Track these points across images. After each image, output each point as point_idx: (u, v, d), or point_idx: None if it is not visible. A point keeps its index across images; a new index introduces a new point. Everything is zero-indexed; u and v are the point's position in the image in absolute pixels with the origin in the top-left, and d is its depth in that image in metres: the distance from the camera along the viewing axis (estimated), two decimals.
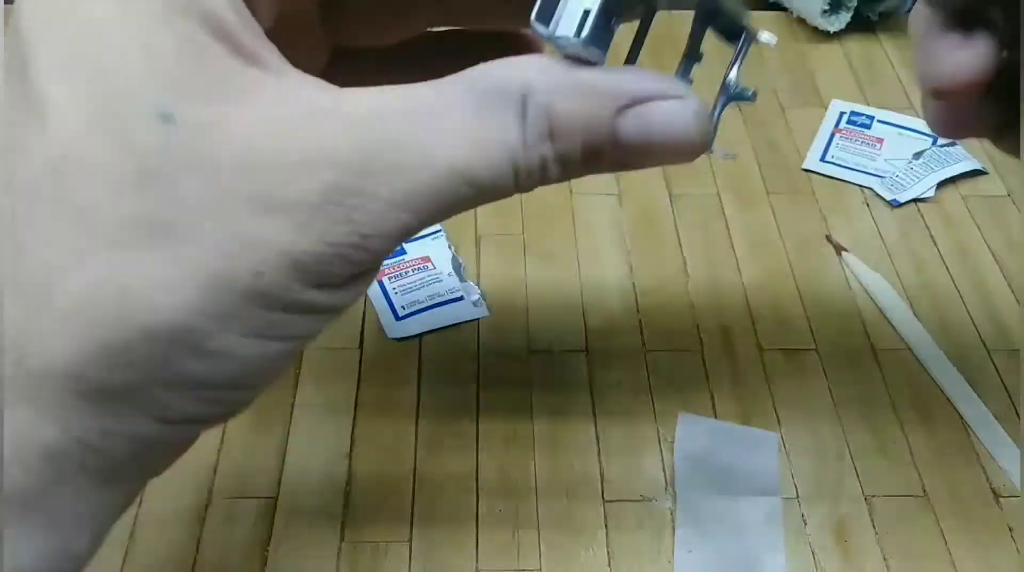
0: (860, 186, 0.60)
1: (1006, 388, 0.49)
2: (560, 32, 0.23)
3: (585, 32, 0.23)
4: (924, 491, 0.44)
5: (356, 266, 0.21)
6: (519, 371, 0.49)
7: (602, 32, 0.24)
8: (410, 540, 0.42)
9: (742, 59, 0.27)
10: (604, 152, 0.23)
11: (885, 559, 0.42)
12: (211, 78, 0.20)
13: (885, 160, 0.61)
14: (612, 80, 0.23)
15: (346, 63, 0.31)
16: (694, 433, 0.46)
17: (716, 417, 0.47)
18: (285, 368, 0.23)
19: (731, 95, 0.27)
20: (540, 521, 0.43)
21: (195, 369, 0.21)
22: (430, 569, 0.41)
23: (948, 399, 0.48)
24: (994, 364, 0.50)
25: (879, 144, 0.63)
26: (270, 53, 0.21)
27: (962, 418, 0.47)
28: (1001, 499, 0.44)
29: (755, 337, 0.51)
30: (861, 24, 0.71)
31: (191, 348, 0.20)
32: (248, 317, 0.20)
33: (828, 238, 0.56)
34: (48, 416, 0.20)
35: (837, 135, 0.63)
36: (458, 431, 0.46)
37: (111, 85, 0.19)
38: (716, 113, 0.27)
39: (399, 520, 0.43)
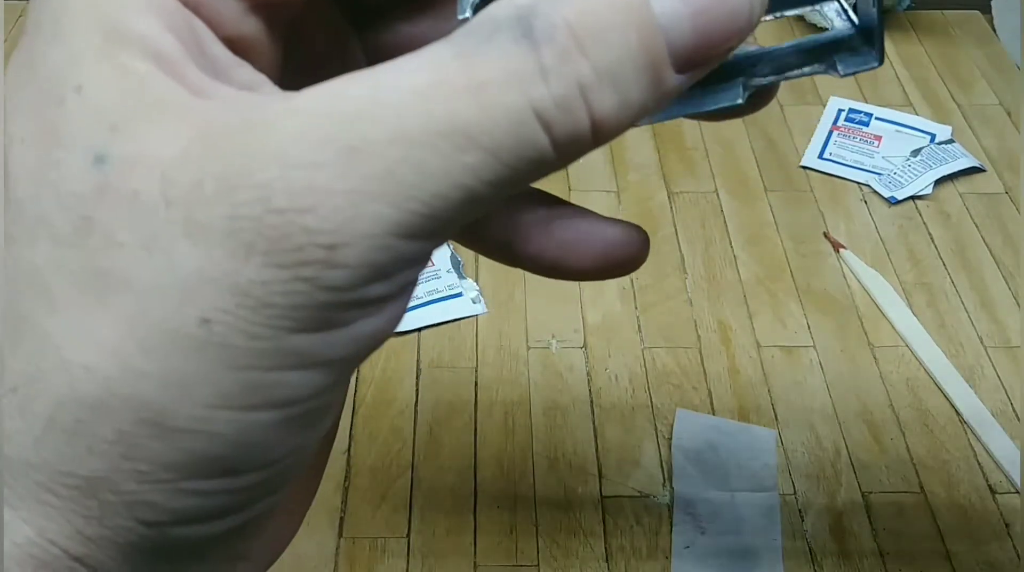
0: (858, 183, 0.60)
1: (1003, 385, 0.49)
2: None
3: None
4: (921, 488, 0.45)
5: (341, 291, 0.16)
6: (517, 367, 0.49)
7: None
8: (408, 536, 0.42)
9: None
10: (656, 48, 0.16)
11: (882, 555, 0.42)
12: (150, 111, 0.17)
13: (883, 157, 0.62)
14: None
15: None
16: (692, 429, 0.46)
17: (714, 413, 0.47)
18: (308, 443, 0.18)
19: None
20: (537, 516, 0.43)
21: (165, 453, 0.17)
22: (428, 565, 0.41)
23: (945, 396, 0.48)
24: (991, 361, 0.50)
25: (877, 141, 0.63)
26: (220, 80, 0.18)
27: (959, 414, 0.47)
28: (997, 496, 0.44)
29: (753, 334, 0.51)
30: None
31: (152, 426, 0.16)
32: (214, 381, 0.16)
33: (826, 235, 0.56)
34: (20, 513, 0.17)
35: (835, 132, 0.63)
36: (456, 427, 0.46)
37: (53, 133, 0.17)
38: None
39: (397, 516, 0.43)
